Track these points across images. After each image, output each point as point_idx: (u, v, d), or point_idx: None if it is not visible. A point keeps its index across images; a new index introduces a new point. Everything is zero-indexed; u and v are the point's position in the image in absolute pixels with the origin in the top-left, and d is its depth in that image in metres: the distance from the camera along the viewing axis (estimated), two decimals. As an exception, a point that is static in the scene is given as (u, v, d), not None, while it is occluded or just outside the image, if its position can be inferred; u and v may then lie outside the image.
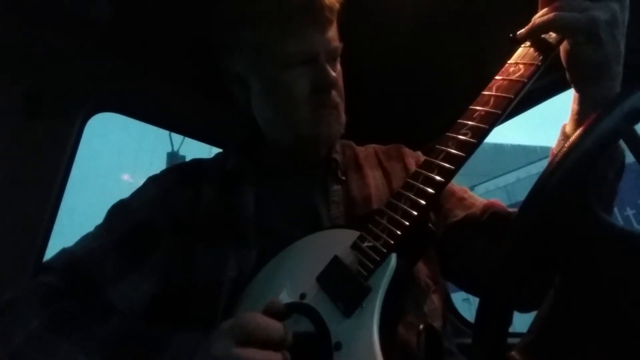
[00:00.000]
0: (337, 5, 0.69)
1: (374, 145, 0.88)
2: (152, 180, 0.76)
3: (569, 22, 0.52)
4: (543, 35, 0.56)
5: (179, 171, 0.78)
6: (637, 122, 0.38)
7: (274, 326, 0.49)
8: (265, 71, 0.69)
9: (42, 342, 0.52)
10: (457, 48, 1.13)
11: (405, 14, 1.00)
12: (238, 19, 0.70)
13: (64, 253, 0.65)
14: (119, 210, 0.71)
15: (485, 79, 0.59)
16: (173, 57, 1.15)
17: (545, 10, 0.55)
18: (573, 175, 0.36)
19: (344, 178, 0.77)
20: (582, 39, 0.53)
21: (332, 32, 0.71)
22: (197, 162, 0.82)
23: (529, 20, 0.59)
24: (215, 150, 1.31)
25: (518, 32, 0.58)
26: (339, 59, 0.73)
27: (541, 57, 0.55)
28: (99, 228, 0.69)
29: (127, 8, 0.97)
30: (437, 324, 0.65)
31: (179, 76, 1.22)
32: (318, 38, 0.68)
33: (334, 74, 0.69)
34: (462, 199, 0.76)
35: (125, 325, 0.56)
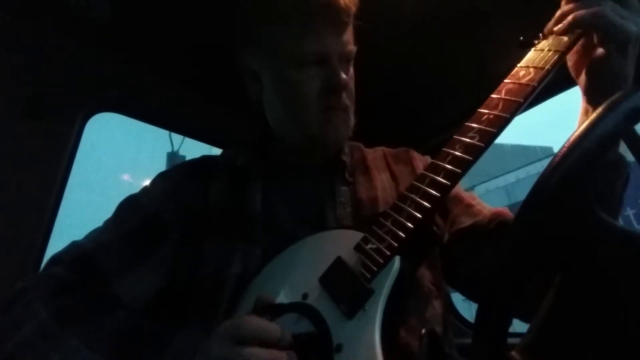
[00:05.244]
0: (353, 9, 0.69)
1: (382, 147, 0.88)
2: (161, 176, 0.77)
3: (611, 22, 0.52)
4: (558, 36, 0.56)
5: (188, 167, 0.79)
6: (637, 122, 0.38)
7: (271, 327, 0.49)
8: (278, 68, 0.70)
9: (49, 333, 0.53)
10: (460, 50, 1.13)
11: (408, 15, 1.01)
12: (257, 16, 0.71)
13: (73, 246, 0.66)
14: (128, 205, 0.72)
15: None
16: (173, 57, 1.15)
17: (579, 3, 0.55)
18: (573, 175, 0.36)
19: (351, 180, 0.77)
20: (613, 48, 0.53)
21: (348, 35, 0.71)
22: (207, 158, 0.83)
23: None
24: (215, 150, 1.32)
25: (555, 27, 0.57)
26: (352, 62, 0.74)
27: (552, 61, 0.55)
28: (108, 222, 0.70)
29: (127, 8, 0.97)
30: (438, 329, 0.65)
31: (179, 76, 1.22)
32: (333, 40, 0.68)
33: (345, 76, 0.69)
34: (470, 206, 0.75)
35: (129, 322, 0.56)
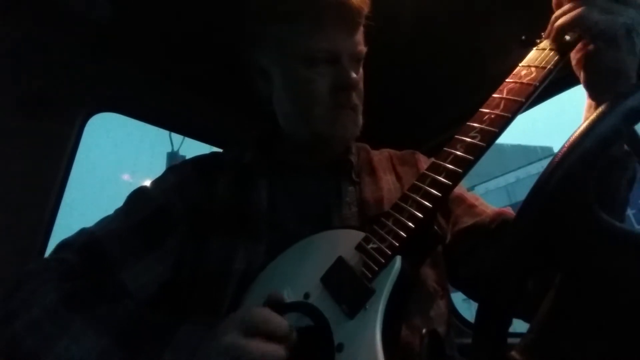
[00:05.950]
0: (365, 9, 0.70)
1: (388, 149, 0.88)
2: (171, 170, 0.78)
3: (592, 22, 0.52)
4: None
5: (197, 163, 0.80)
6: (637, 122, 0.38)
7: (280, 322, 0.50)
8: (289, 66, 0.70)
9: (57, 316, 0.54)
10: (460, 50, 1.13)
11: (408, 15, 1.01)
12: (269, 13, 0.71)
13: (83, 232, 0.67)
14: (138, 196, 0.73)
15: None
16: (173, 57, 1.15)
17: (566, 7, 0.55)
18: (573, 175, 0.36)
19: (357, 180, 0.77)
20: (602, 44, 0.54)
21: (359, 36, 0.72)
22: (215, 155, 0.84)
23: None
24: (216, 151, 1.31)
25: (549, 33, 0.57)
26: (362, 62, 0.74)
27: (554, 60, 0.55)
28: (118, 212, 0.72)
29: (127, 8, 0.97)
30: (442, 329, 0.65)
31: (179, 76, 1.22)
32: (344, 39, 0.69)
33: (355, 75, 0.70)
34: (472, 206, 0.75)
35: (135, 311, 0.57)
